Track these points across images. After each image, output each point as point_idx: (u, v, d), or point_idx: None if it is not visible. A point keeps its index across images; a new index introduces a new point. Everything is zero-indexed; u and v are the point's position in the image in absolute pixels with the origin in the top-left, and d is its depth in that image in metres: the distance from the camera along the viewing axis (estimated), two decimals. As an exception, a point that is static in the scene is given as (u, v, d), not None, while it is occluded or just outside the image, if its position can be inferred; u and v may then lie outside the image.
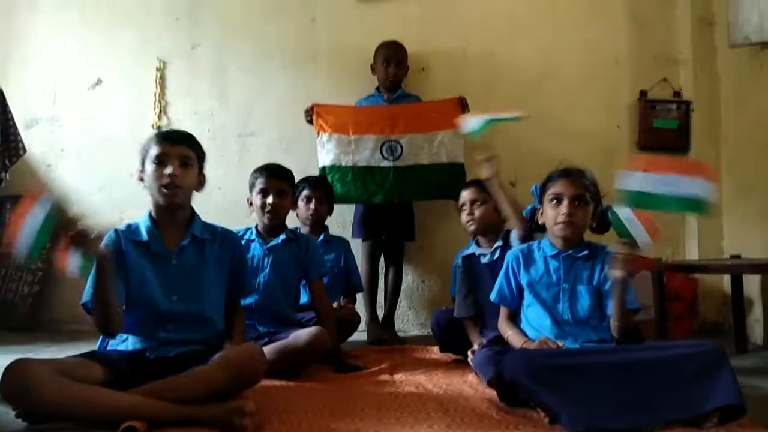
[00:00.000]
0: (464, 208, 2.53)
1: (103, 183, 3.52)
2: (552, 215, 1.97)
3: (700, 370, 1.58)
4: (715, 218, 3.30)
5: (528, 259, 2.07)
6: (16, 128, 2.82)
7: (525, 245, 2.13)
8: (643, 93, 3.45)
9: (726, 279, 3.14)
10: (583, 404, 1.53)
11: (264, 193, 2.44)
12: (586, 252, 1.99)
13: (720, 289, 3.28)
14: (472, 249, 2.48)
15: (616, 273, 1.80)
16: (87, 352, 1.75)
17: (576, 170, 2.01)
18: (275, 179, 2.45)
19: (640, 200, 1.86)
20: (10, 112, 2.77)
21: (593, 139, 3.47)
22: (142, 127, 3.52)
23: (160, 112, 3.53)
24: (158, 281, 1.82)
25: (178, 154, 1.84)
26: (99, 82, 3.57)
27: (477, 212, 2.49)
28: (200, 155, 1.93)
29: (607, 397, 1.55)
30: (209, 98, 3.53)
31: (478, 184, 2.52)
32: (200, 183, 1.95)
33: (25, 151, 2.86)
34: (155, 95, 3.53)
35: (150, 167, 1.85)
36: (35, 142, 3.46)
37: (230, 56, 3.57)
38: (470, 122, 2.31)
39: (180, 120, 3.52)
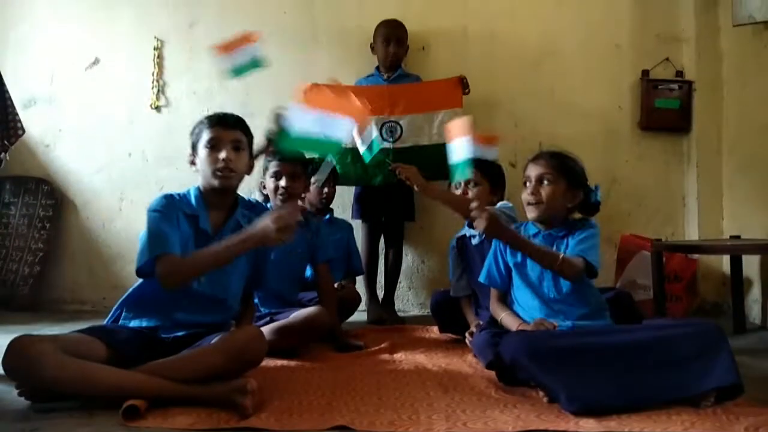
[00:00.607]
0: (458, 188, 2.51)
1: (102, 163, 3.51)
2: (524, 199, 2.01)
3: (698, 349, 1.59)
4: (715, 198, 3.31)
5: None
6: (14, 108, 2.79)
7: (513, 226, 2.13)
8: (645, 73, 3.43)
9: (725, 259, 3.15)
10: (582, 384, 1.54)
11: (277, 176, 2.44)
12: (564, 232, 1.98)
13: (719, 270, 3.28)
14: (464, 231, 2.48)
15: (479, 225, 1.85)
16: (93, 327, 1.74)
17: (547, 153, 2.02)
18: (289, 162, 2.45)
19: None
20: (7, 92, 2.74)
21: (594, 120, 3.45)
22: (140, 106, 3.50)
23: (159, 91, 3.51)
24: None
25: (232, 139, 1.85)
26: (96, 61, 3.54)
27: (471, 193, 2.46)
28: (250, 139, 1.94)
29: (605, 376, 1.57)
30: (208, 78, 3.51)
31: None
32: (250, 167, 1.96)
33: (23, 131, 2.84)
34: (153, 74, 3.50)
35: (203, 151, 1.85)
36: (33, 122, 3.43)
37: (229, 35, 3.51)
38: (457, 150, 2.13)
39: (178, 100, 3.51)
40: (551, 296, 1.93)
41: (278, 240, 1.69)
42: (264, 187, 2.52)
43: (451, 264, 2.54)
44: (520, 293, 2.01)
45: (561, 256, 1.87)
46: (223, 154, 1.82)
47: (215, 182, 1.84)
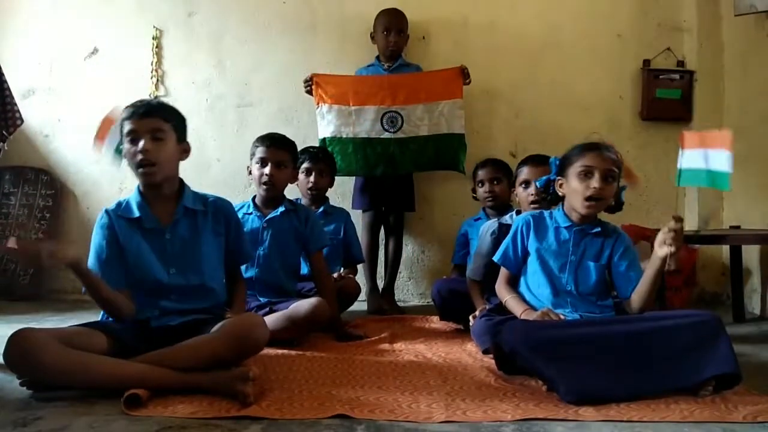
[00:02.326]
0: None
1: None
2: (580, 188, 1.90)
3: (697, 339, 1.59)
4: (715, 188, 3.30)
5: (539, 225, 2.04)
6: (12, 98, 2.79)
7: (537, 212, 2.11)
8: (646, 62, 3.41)
9: (725, 249, 3.15)
10: (581, 374, 1.55)
11: (262, 162, 2.40)
12: (598, 228, 1.97)
13: (719, 260, 3.29)
14: (506, 219, 2.45)
15: (664, 249, 1.71)
16: (90, 322, 1.75)
17: (605, 145, 1.94)
18: (275, 149, 2.41)
19: (692, 178, 1.86)
20: (6, 82, 2.73)
21: (595, 110, 3.44)
22: (139, 96, 3.45)
23: (158, 81, 3.50)
24: (154, 256, 1.81)
25: (149, 128, 1.76)
26: (95, 51, 3.53)
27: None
28: (176, 123, 1.84)
29: (604, 366, 1.57)
30: (207, 67, 3.49)
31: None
32: (183, 151, 1.88)
33: (22, 121, 2.84)
34: (152, 64, 3.49)
35: (125, 145, 1.79)
36: (32, 112, 3.42)
37: (228, 25, 3.52)
38: None
39: (177, 90, 3.49)
40: (568, 289, 1.93)
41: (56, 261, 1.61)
42: (250, 173, 2.49)
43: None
44: (534, 279, 2.00)
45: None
46: (140, 146, 1.74)
47: (139, 178, 1.80)
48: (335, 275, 2.72)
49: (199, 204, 1.90)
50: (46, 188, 3.45)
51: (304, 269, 2.62)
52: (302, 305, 2.20)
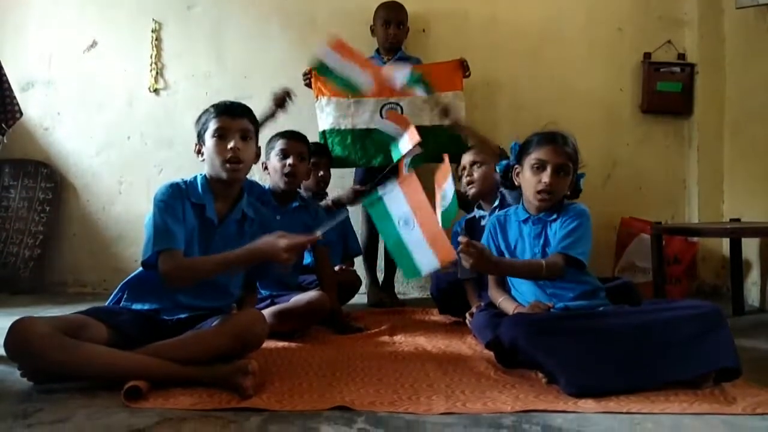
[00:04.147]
0: (464, 171, 2.53)
1: (101, 146, 3.50)
2: (532, 182, 1.91)
3: (698, 332, 1.59)
4: (716, 181, 3.31)
5: (505, 225, 2.05)
6: (11, 91, 2.78)
7: (503, 211, 2.12)
8: (646, 55, 3.41)
9: (725, 242, 3.15)
10: (582, 366, 1.55)
11: (284, 154, 2.43)
12: (555, 215, 1.95)
13: (719, 252, 3.29)
14: (474, 212, 2.48)
15: (466, 263, 1.73)
16: (94, 308, 1.74)
17: (561, 136, 1.93)
18: (295, 142, 2.46)
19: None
20: (5, 75, 2.73)
21: (596, 103, 3.44)
22: (138, 89, 3.49)
23: (157, 74, 3.49)
24: (200, 246, 1.81)
25: (239, 128, 1.83)
26: (94, 44, 3.51)
27: (476, 174, 2.49)
28: (257, 128, 1.92)
29: (605, 359, 1.57)
30: (206, 60, 3.49)
31: (477, 147, 2.58)
32: (257, 155, 1.94)
33: (21, 114, 2.83)
34: (151, 57, 3.48)
35: (210, 141, 1.82)
36: (31, 105, 3.42)
37: (227, 18, 3.51)
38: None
39: (177, 83, 3.49)
40: (541, 281, 1.93)
41: (286, 261, 1.69)
42: (265, 167, 2.51)
43: (454, 246, 2.56)
44: (515, 278, 2.01)
45: (543, 264, 1.82)
46: (231, 144, 1.80)
47: (223, 174, 1.82)
48: (336, 268, 2.72)
49: (251, 211, 1.92)
50: (46, 181, 3.45)
51: (307, 259, 2.62)
52: (303, 298, 2.21)
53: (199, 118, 1.88)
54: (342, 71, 2.53)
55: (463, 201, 2.51)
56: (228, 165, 1.80)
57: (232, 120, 1.83)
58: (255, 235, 1.86)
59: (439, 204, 1.94)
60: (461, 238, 1.71)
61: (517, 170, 2.00)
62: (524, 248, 1.98)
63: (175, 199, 1.78)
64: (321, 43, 2.56)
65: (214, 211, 1.84)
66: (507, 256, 2.01)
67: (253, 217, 1.93)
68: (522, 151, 1.99)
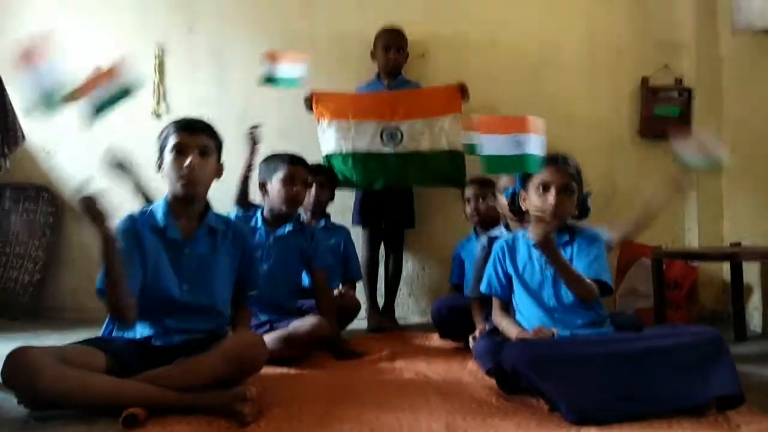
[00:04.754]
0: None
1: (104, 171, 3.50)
2: (539, 204, 1.92)
3: (700, 358, 1.58)
4: (715, 205, 3.31)
5: (513, 249, 2.05)
6: (15, 115, 2.80)
7: (510, 235, 2.12)
8: (644, 80, 3.43)
9: (726, 266, 3.14)
10: (583, 393, 1.54)
11: (291, 180, 2.44)
12: (566, 238, 1.96)
13: (720, 277, 3.28)
14: (496, 232, 2.46)
15: (538, 233, 1.76)
16: (90, 338, 1.74)
17: (561, 157, 1.97)
18: (301, 168, 2.48)
19: (494, 164, 1.86)
20: (9, 98, 2.75)
21: (595, 127, 3.46)
22: (141, 113, 3.51)
23: (160, 99, 3.52)
24: (171, 269, 1.81)
25: (198, 144, 1.82)
26: (98, 69, 3.54)
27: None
28: (219, 143, 1.91)
29: (606, 386, 1.56)
30: (208, 85, 3.52)
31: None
32: (219, 171, 1.94)
33: (24, 138, 2.85)
34: (154, 82, 3.51)
35: (169, 156, 1.83)
36: (34, 128, 3.42)
37: (229, 42, 3.55)
38: None
39: (179, 107, 3.50)
40: (551, 305, 1.92)
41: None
42: (262, 186, 2.51)
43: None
44: (522, 301, 2.00)
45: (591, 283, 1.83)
46: (188, 161, 1.79)
47: (180, 191, 1.82)
48: (335, 291, 2.71)
49: (221, 224, 1.92)
50: (47, 205, 3.45)
51: (305, 281, 2.61)
52: (302, 324, 2.20)
53: (161, 133, 1.88)
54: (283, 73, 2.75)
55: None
56: (183, 181, 1.80)
57: (191, 136, 1.82)
58: (232, 248, 1.91)
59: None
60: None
61: (523, 196, 2.02)
62: (533, 271, 1.97)
63: (126, 236, 1.76)
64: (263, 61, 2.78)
65: (178, 231, 1.84)
66: (515, 279, 2.01)
67: (224, 229, 1.92)
68: (525, 175, 2.00)
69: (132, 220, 1.83)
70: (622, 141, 3.48)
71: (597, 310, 1.92)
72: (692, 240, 3.38)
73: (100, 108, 1.86)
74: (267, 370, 1.91)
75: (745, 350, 2.51)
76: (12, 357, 1.48)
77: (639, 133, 3.45)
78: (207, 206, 1.93)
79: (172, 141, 1.82)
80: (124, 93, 1.94)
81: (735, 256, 2.73)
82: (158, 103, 3.51)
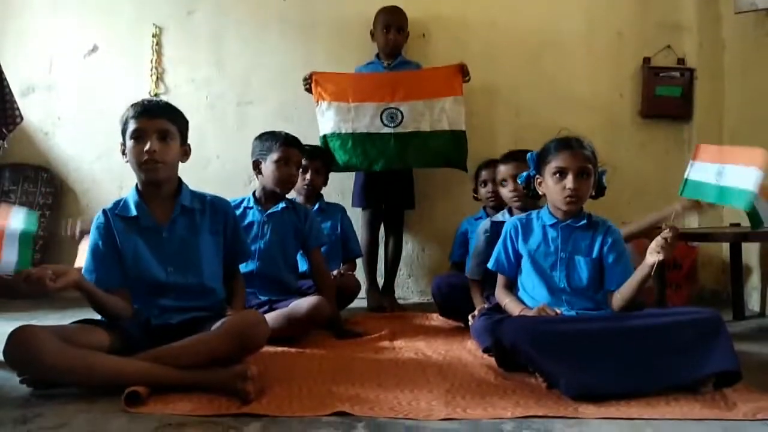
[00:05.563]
0: (505, 183, 2.46)
1: (102, 151, 3.49)
2: (556, 189, 1.93)
3: (697, 336, 1.60)
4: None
5: (526, 228, 2.06)
6: (12, 96, 2.79)
7: (524, 214, 2.12)
8: (646, 60, 3.41)
9: (725, 247, 3.15)
10: (582, 370, 1.55)
11: (285, 162, 2.44)
12: (584, 222, 1.98)
13: (719, 257, 3.29)
14: (500, 216, 2.45)
15: (653, 257, 1.72)
16: (92, 318, 1.75)
17: (576, 140, 1.96)
18: (296, 149, 2.49)
19: (698, 191, 1.83)
20: (5, 79, 2.74)
21: (595, 108, 3.44)
22: (139, 94, 3.47)
23: (157, 79, 3.49)
24: (152, 255, 1.81)
25: (157, 129, 1.78)
26: (95, 49, 3.52)
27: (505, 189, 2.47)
28: (181, 125, 1.87)
29: (605, 362, 1.57)
30: (207, 66, 3.49)
31: (517, 159, 2.42)
32: (184, 153, 1.90)
33: (22, 118, 2.84)
34: (152, 62, 3.48)
35: (129, 143, 1.80)
36: (32, 110, 3.42)
37: (228, 23, 3.51)
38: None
39: (177, 87, 3.49)
40: (561, 286, 1.94)
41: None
42: (256, 166, 2.50)
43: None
44: (529, 280, 2.01)
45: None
46: (147, 146, 1.75)
47: (142, 175, 1.81)
48: (335, 272, 2.72)
49: (196, 203, 1.91)
50: (46, 186, 3.44)
51: (303, 266, 2.62)
52: (302, 304, 2.21)
53: (122, 116, 1.84)
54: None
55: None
56: (144, 167, 1.78)
57: (149, 120, 1.78)
58: (213, 224, 1.90)
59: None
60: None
61: (539, 180, 2.02)
62: (547, 252, 1.98)
63: (100, 233, 1.80)
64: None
65: (151, 217, 1.84)
66: (527, 258, 2.02)
67: (201, 208, 1.91)
68: (540, 160, 2.01)
69: (104, 215, 1.83)
70: (623, 121, 3.46)
71: (603, 297, 1.95)
72: (692, 220, 3.38)
73: (22, 260, 1.66)
74: (267, 349, 1.92)
75: (743, 329, 2.53)
76: (14, 335, 1.48)
77: (640, 114, 3.44)
78: (179, 187, 1.90)
79: (131, 127, 1.79)
80: (27, 235, 1.69)
81: (734, 237, 2.74)
82: (156, 84, 3.49)
